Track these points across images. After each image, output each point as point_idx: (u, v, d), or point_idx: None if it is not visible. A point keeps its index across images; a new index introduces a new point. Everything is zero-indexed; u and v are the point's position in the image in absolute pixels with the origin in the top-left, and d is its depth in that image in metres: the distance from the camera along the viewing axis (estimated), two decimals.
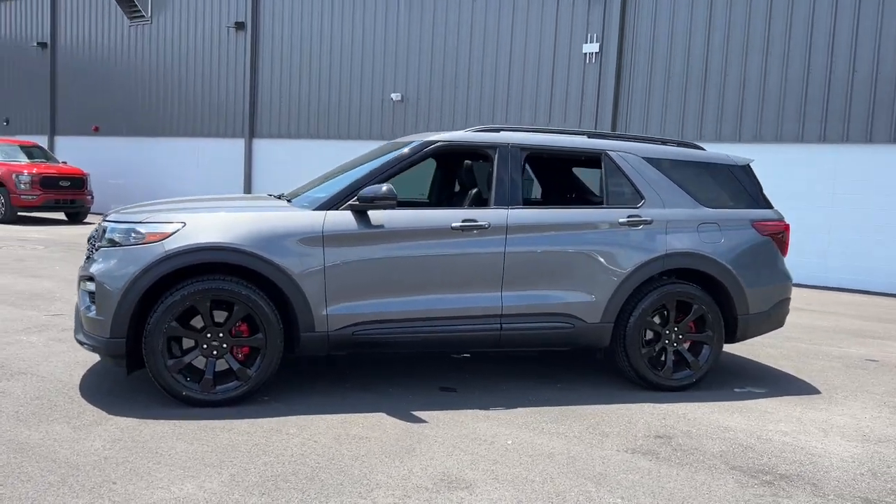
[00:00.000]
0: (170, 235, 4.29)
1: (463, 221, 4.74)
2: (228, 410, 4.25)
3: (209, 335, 4.32)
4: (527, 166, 6.40)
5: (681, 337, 5.13)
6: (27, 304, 7.07)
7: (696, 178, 5.37)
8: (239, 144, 18.18)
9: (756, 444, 4.13)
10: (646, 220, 5.06)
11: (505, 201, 4.88)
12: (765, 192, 5.59)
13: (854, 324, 8.30)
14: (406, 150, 4.94)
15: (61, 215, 17.60)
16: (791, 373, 5.82)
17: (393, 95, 15.69)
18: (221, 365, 4.37)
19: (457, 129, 5.46)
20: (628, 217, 5.05)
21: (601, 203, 5.20)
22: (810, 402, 5.04)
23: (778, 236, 5.43)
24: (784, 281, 5.47)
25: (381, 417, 4.29)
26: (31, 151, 17.74)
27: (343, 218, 4.56)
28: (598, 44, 13.25)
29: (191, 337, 4.33)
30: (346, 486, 3.34)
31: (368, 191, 4.53)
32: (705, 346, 5.18)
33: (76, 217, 17.35)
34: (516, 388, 5.05)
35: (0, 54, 23.32)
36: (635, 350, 5.01)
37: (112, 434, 3.84)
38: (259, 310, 4.32)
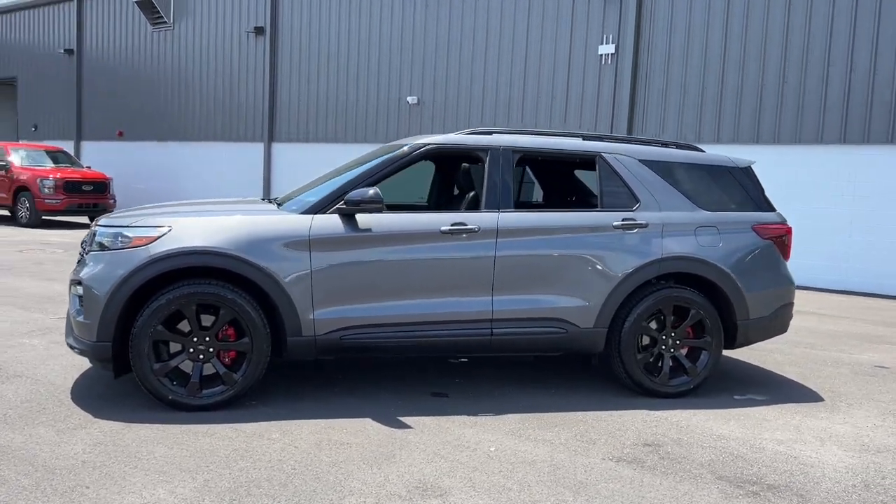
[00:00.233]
0: (156, 239, 4.30)
1: (452, 225, 4.69)
2: (214, 415, 4.25)
3: (196, 339, 4.33)
4: (527, 169, 6.35)
5: (678, 342, 5.02)
6: (35, 307, 7.16)
7: (695, 180, 5.26)
8: (258, 148, 18.32)
9: (747, 454, 4.01)
10: (641, 224, 4.97)
11: (496, 204, 4.83)
12: (766, 194, 5.46)
13: (868, 329, 8.07)
14: (397, 153, 4.91)
15: (85, 219, 17.87)
16: (796, 379, 5.68)
17: (409, 99, 15.70)
18: (208, 369, 4.37)
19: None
20: (623, 220, 4.96)
21: (597, 206, 5.12)
22: (811, 409, 4.90)
23: (780, 240, 5.29)
24: (786, 285, 5.33)
25: (366, 423, 4.25)
26: (56, 156, 18.07)
27: (330, 222, 4.54)
28: (613, 45, 13.10)
29: (177, 341, 4.34)
30: (318, 493, 3.31)
31: (355, 194, 4.51)
32: (703, 352, 5.06)
33: None
34: (509, 393, 4.98)
35: (28, 61, 23.83)
36: (630, 356, 4.92)
37: (94, 437, 3.85)
38: (245, 314, 4.31)
